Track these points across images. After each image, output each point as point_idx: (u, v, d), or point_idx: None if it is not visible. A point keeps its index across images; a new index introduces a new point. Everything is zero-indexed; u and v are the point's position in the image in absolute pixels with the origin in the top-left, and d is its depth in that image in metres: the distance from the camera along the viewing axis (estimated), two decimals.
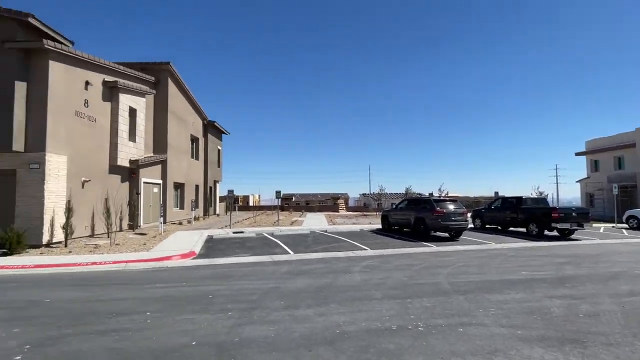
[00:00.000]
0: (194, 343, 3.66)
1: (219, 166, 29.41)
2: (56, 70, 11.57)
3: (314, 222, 22.23)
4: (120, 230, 14.27)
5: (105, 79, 14.22)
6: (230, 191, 17.92)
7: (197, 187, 24.05)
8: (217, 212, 29.10)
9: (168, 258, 9.60)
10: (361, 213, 31.34)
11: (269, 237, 14.76)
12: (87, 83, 13.15)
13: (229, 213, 32.19)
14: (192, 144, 23.30)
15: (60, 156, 11.80)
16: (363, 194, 77.27)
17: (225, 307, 4.98)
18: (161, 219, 15.39)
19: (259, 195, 70.35)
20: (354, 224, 20.97)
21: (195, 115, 23.49)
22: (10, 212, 11.15)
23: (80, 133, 12.77)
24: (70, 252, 10.48)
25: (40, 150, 11.12)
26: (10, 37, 10.83)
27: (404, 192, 33.59)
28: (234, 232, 16.01)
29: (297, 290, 6.04)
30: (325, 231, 16.89)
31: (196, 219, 21.54)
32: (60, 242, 11.55)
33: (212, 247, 12.07)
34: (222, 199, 32.48)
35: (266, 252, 10.73)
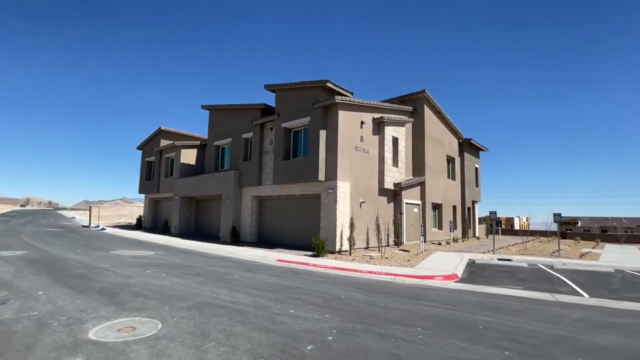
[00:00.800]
0: None
1: (476, 185, 27.72)
2: (342, 117, 15.01)
3: (620, 256, 16.20)
4: (387, 245, 16.15)
5: (374, 117, 16.99)
6: (493, 212, 16.32)
7: (454, 207, 23.65)
8: (477, 234, 27.22)
9: (431, 277, 9.82)
10: None
11: (547, 269, 12.10)
12: (362, 122, 16.20)
13: (490, 236, 29.49)
14: (448, 164, 23.36)
15: (345, 182, 14.99)
16: None
17: (500, 343, 4.40)
18: (422, 238, 16.15)
19: (527, 218, 59.89)
20: None
21: (450, 136, 23.54)
22: (317, 225, 15.23)
23: (357, 163, 15.78)
24: (353, 259, 12.91)
25: (333, 179, 14.61)
26: (316, 99, 15.16)
27: None
28: (498, 259, 14.31)
29: (605, 348, 4.48)
30: None
31: (454, 240, 21.07)
32: (345, 251, 14.50)
33: (475, 272, 11.28)
34: (481, 220, 30.20)
35: (544, 289, 8.78)
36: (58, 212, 63.96)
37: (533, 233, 29.05)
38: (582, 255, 15.93)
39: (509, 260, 14.23)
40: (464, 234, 24.72)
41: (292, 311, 5.53)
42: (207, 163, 22.17)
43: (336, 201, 14.40)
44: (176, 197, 22.86)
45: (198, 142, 24.31)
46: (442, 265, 12.00)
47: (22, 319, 4.77)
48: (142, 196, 28.86)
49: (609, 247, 21.67)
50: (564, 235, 29.82)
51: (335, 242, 14.21)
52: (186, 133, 27.09)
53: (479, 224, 28.90)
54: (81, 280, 7.35)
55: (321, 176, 14.77)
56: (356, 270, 10.60)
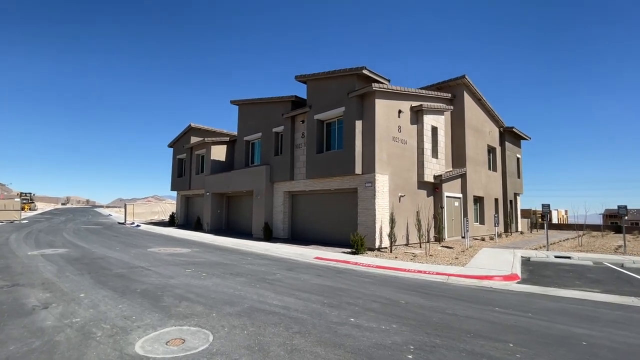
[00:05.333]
0: None
1: (518, 177, 25.95)
2: (379, 106, 14.13)
3: None
4: (428, 241, 15.17)
5: (412, 105, 15.97)
6: (546, 205, 14.92)
7: (496, 200, 22.18)
8: (519, 229, 25.53)
9: (489, 277, 8.88)
10: None
11: (618, 268, 10.81)
12: (399, 111, 15.25)
13: (534, 231, 27.63)
14: (488, 154, 21.90)
15: (384, 175, 14.15)
16: None
17: None
18: (467, 234, 15.07)
19: (566, 211, 56.39)
20: None
21: (491, 124, 22.03)
22: (354, 220, 14.50)
23: (395, 155, 14.87)
24: (396, 257, 12.10)
25: (371, 172, 13.80)
26: (351, 88, 14.35)
27: None
28: (555, 256, 13.04)
29: None
30: None
31: (498, 235, 19.71)
32: (385, 248, 13.70)
33: (535, 271, 10.19)
34: (523, 213, 28.36)
35: (627, 292, 7.65)
36: (95, 209, 66.94)
37: (582, 227, 26.92)
38: None
39: (569, 257, 12.94)
40: (507, 229, 23.21)
41: (352, 320, 4.87)
42: (237, 159, 21.95)
43: (375, 195, 13.60)
44: (207, 193, 22.84)
45: (227, 138, 24.16)
46: (495, 263, 10.97)
47: (65, 326, 4.39)
48: (174, 193, 29.25)
49: None
50: (618, 230, 27.44)
51: (375, 239, 13.45)
52: (215, 129, 27.07)
53: (522, 217, 27.13)
54: (122, 281, 7.05)
55: (358, 169, 14.01)
56: (403, 270, 9.81)
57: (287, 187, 17.69)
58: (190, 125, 26.43)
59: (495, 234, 18.88)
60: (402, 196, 14.93)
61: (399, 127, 15.17)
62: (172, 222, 27.20)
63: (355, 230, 13.75)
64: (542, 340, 4.31)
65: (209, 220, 22.52)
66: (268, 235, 17.44)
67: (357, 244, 12.69)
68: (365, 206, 13.91)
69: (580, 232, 23.26)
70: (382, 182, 14.01)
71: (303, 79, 16.40)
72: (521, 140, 26.71)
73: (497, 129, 22.99)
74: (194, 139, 26.16)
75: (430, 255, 12.40)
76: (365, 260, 11.14)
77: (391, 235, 13.35)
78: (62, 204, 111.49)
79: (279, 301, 5.78)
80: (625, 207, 14.11)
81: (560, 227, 35.39)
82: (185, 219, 27.61)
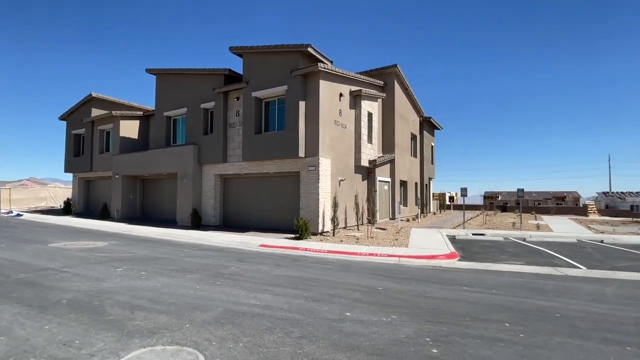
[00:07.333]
0: None
1: (432, 163, 28.72)
2: (323, 87, 13.73)
3: (565, 227, 17.96)
4: (362, 224, 15.71)
5: (352, 89, 15.98)
6: (464, 189, 16.75)
7: (416, 184, 24.16)
8: (432, 210, 28.47)
9: (435, 257, 9.46)
10: (631, 219, 23.03)
11: (523, 242, 12.72)
12: (340, 95, 15.10)
13: (442, 212, 31.19)
14: (411, 141, 23.56)
15: (327, 159, 13.95)
16: (603, 193, 59.11)
17: (604, 336, 3.94)
18: (399, 216, 16.00)
19: (456, 194, 65.48)
20: (636, 234, 15.54)
21: (414, 113, 23.64)
22: (294, 205, 14.07)
23: (337, 139, 14.78)
24: (341, 241, 12.12)
25: (315, 155, 13.45)
26: (294, 66, 13.60)
27: None
28: (473, 234, 14.76)
29: None
30: (602, 241, 13.13)
31: (417, 216, 21.58)
32: (327, 232, 13.67)
33: (465, 249, 11.29)
34: (434, 196, 31.70)
35: (543, 263, 8.97)
36: None
37: (478, 207, 31.34)
38: (538, 227, 17.29)
39: (483, 234, 14.76)
40: (423, 210, 25.59)
41: (349, 314, 4.51)
42: (155, 137, 19.27)
43: (318, 179, 13.34)
44: (117, 176, 19.65)
45: (141, 113, 20.99)
46: (431, 243, 11.84)
47: None
48: (58, 176, 24.59)
49: (546, 218, 24.11)
50: (504, 209, 32.76)
51: (318, 223, 13.27)
52: (124, 102, 23.27)
53: (433, 200, 30.27)
54: (33, 290, 5.39)
55: (301, 152, 13.51)
56: (355, 254, 9.84)
57: (219, 170, 16.23)
58: (90, 94, 22.16)
59: (418, 215, 20.59)
60: (342, 180, 15.01)
61: (340, 111, 15.06)
62: (68, 209, 22.82)
63: (296, 215, 13.37)
64: (525, 316, 4.60)
65: (119, 207, 19.50)
66: (197, 222, 15.84)
67: (302, 229, 12.33)
68: (308, 190, 13.57)
69: (478, 212, 26.98)
70: (325, 166, 13.81)
71: (239, 51, 14.94)
72: (435, 130, 29.48)
73: (418, 118, 24.83)
74: (96, 112, 22.07)
75: (371, 238, 12.77)
76: (313, 246, 10.88)
77: (334, 219, 13.34)
78: None
79: (255, 300, 5.09)
80: (523, 189, 16.72)
81: (460, 207, 40.78)
82: (85, 205, 23.45)
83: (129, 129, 20.52)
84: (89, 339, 3.60)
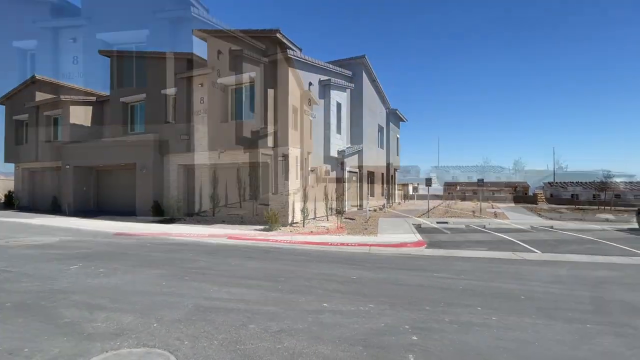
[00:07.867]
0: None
1: (397, 154, 29.41)
2: (292, 76, 13.42)
3: (516, 215, 19.25)
4: (332, 214, 15.78)
5: (321, 79, 15.81)
6: (429, 179, 17.31)
7: (382, 175, 24.63)
8: (397, 200, 29.27)
9: (404, 245, 9.69)
10: (574, 207, 25.27)
11: (485, 230, 13.42)
12: (309, 84, 14.87)
13: (406, 201, 32.25)
14: (378, 133, 23.89)
15: (296, 149, 13.74)
16: (549, 183, 64.39)
17: (565, 315, 4.20)
18: (368, 206, 16.22)
19: (418, 184, 68.20)
20: (580, 220, 16.99)
21: (381, 105, 23.95)
22: (267, 196, 13.78)
23: (306, 128, 14.58)
24: (311, 231, 12.06)
25: (285, 145, 13.19)
26: (263, 52, 13.14)
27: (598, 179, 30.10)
28: (437, 222, 15.33)
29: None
30: (552, 227, 14.19)
31: (384, 206, 22.08)
32: (297, 223, 13.54)
33: (432, 237, 11.69)
34: (398, 187, 32.60)
35: (503, 248, 9.49)
36: None
37: (439, 197, 32.70)
38: (495, 215, 18.34)
39: (446, 222, 15.38)
40: (388, 200, 26.22)
41: (326, 305, 4.44)
42: (109, 124, 17.93)
43: (288, 169, 13.12)
44: (67, 166, 18.11)
45: (94, 98, 19.41)
46: (399, 232, 12.12)
47: None
48: (5, 166, 22.28)
49: (502, 206, 25.71)
50: (463, 198, 34.43)
51: (288, 214, 13.10)
52: (74, 86, 21.34)
53: (398, 190, 31.12)
54: None
55: (270, 142, 13.18)
56: (327, 244, 9.82)
57: (184, 160, 15.46)
58: (34, 76, 20.09)
59: (384, 205, 21.04)
60: (312, 170, 14.90)
61: (309, 100, 14.85)
62: (9, 203, 20.75)
63: (266, 206, 13.10)
64: (495, 300, 4.79)
65: (71, 200, 18.03)
66: (159, 215, 15.05)
67: (271, 220, 12.11)
68: (279, 181, 13.31)
69: (440, 201, 28.13)
70: (295, 156, 13.60)
71: (203, 35, 14.17)
72: (400, 122, 30.14)
73: (384, 110, 25.21)
74: (40, 96, 20.07)
75: (341, 228, 12.84)
76: (283, 237, 10.71)
77: (304, 210, 13.23)
78: None
79: (229, 294, 4.86)
80: (482, 179, 17.62)
81: (424, 197, 42.36)
82: (31, 199, 21.43)
83: (81, 115, 18.90)
84: (40, 346, 3.22)
